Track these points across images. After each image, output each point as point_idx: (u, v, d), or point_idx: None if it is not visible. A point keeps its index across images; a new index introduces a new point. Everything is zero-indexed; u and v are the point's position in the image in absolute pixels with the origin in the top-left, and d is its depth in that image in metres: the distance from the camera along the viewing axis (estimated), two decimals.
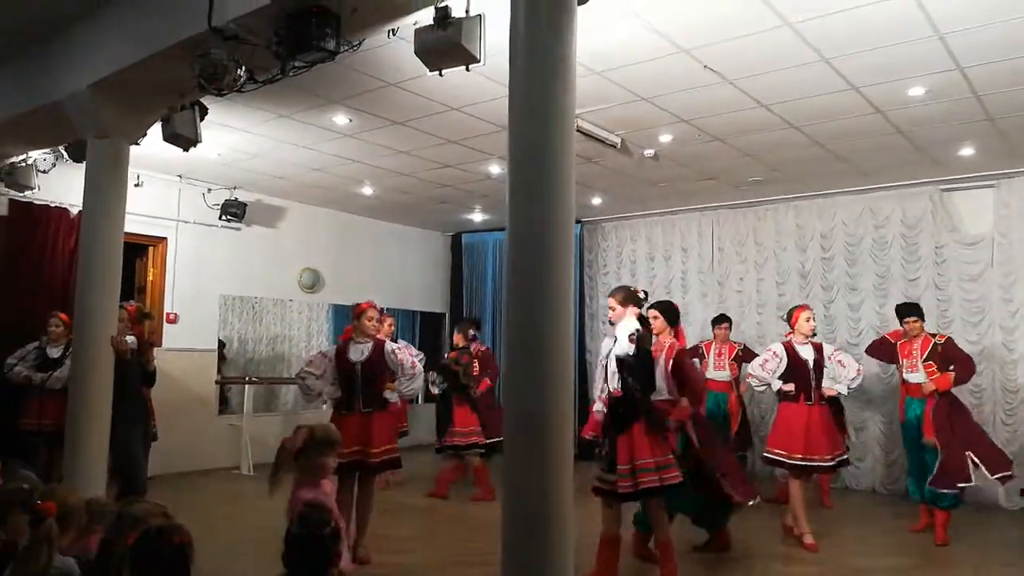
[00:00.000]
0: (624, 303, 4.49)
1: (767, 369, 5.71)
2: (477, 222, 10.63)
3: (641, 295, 4.61)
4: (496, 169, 7.57)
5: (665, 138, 6.41)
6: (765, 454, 5.79)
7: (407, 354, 5.43)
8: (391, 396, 5.53)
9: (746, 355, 7.52)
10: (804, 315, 5.75)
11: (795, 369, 5.65)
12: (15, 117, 5.38)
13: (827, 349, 5.89)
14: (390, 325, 6.97)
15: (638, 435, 4.28)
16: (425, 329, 11.47)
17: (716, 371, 7.71)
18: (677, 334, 4.91)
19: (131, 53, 4.27)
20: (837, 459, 5.62)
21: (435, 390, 7.71)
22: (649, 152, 6.81)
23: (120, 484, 5.04)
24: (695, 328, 8.78)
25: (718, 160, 7.09)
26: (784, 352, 5.71)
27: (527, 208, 2.88)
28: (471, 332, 7.63)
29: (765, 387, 5.89)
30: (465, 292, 11.29)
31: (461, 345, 7.52)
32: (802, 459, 5.48)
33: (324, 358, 5.23)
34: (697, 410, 4.98)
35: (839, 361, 5.83)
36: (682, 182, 7.96)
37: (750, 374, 5.85)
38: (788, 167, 7.31)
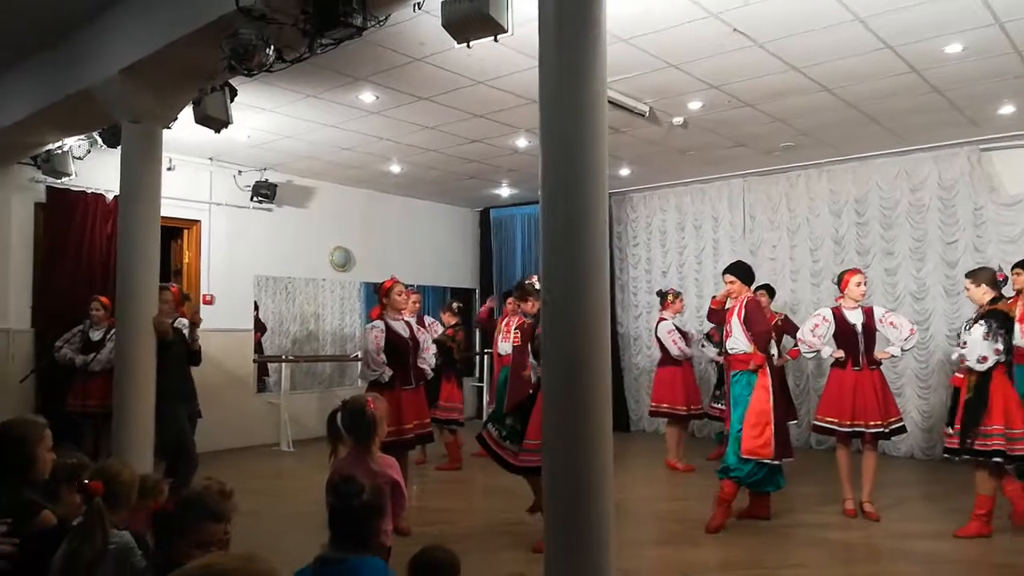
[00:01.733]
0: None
1: (817, 334, 5.60)
2: (504, 197, 10.62)
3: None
4: (523, 142, 7.54)
5: (694, 105, 6.32)
6: (815, 422, 5.70)
7: (426, 334, 5.76)
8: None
9: (786, 325, 7.49)
10: (855, 279, 5.61)
11: (843, 334, 5.54)
12: (50, 105, 5.47)
13: (877, 312, 5.71)
14: (415, 302, 7.06)
15: None
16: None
17: None
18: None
19: (161, 36, 4.31)
20: (892, 427, 5.46)
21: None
22: (678, 120, 6.73)
23: (172, 462, 5.15)
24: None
25: (749, 126, 6.98)
26: (832, 317, 5.59)
27: (561, 181, 2.87)
28: (455, 306, 8.20)
29: (815, 354, 5.78)
30: (494, 267, 11.32)
31: (453, 323, 7.80)
32: (851, 425, 5.39)
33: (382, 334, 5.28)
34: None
35: (891, 323, 5.62)
36: (712, 150, 7.86)
37: (800, 340, 5.74)
38: (820, 131, 7.17)
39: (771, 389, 5.22)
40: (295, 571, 2.24)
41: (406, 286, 5.61)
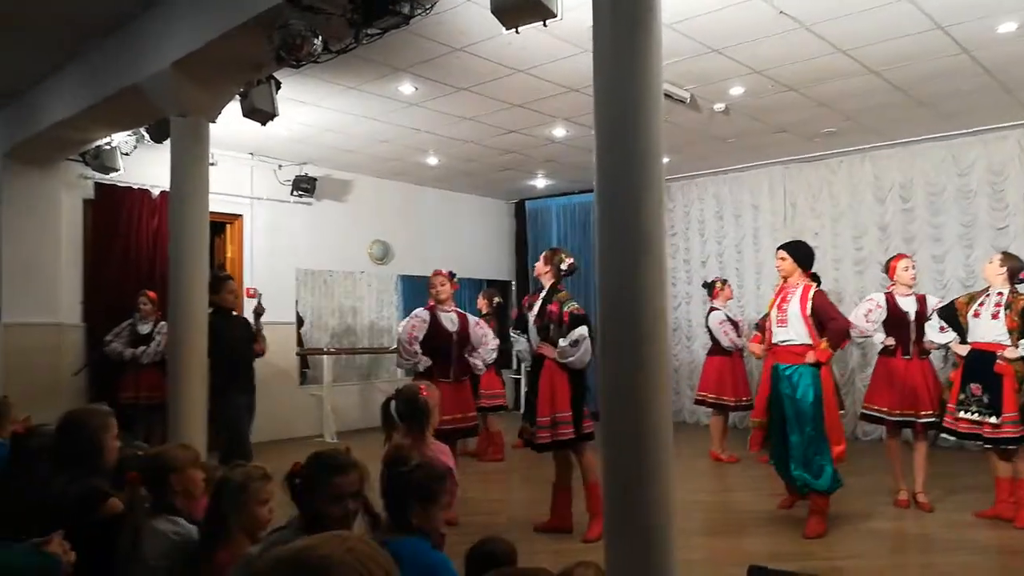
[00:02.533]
0: None
1: (871, 319, 5.44)
2: (540, 188, 10.60)
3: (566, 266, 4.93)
4: (560, 132, 7.51)
5: (736, 91, 6.24)
6: (863, 411, 5.62)
7: (486, 329, 5.74)
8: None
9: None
10: (902, 264, 5.48)
11: (894, 321, 5.39)
12: (100, 101, 5.56)
13: (931, 300, 5.56)
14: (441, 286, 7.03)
15: None
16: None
17: None
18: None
19: (211, 29, 4.36)
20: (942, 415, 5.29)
21: None
22: (719, 106, 6.65)
23: (226, 453, 5.20)
24: (766, 288, 8.61)
25: (791, 112, 6.87)
26: (885, 303, 5.45)
27: (616, 168, 2.84)
28: (496, 300, 8.11)
29: (866, 339, 5.65)
30: (530, 259, 11.29)
31: (485, 312, 7.78)
32: (900, 415, 5.29)
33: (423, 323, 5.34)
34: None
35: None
36: (752, 136, 7.76)
37: (852, 324, 5.43)
38: (865, 116, 7.04)
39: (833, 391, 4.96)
40: None
41: (451, 275, 5.66)
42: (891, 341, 5.39)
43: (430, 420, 3.36)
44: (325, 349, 9.12)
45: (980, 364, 4.97)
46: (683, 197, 9.90)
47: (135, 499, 2.65)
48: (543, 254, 5.09)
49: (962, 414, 5.03)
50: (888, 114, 6.96)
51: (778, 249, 5.20)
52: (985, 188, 7.59)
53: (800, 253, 5.06)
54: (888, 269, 5.59)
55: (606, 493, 2.88)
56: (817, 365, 4.78)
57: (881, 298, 5.50)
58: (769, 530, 4.97)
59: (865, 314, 5.47)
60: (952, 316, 5.25)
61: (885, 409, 5.36)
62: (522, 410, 5.42)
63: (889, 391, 5.35)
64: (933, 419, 5.28)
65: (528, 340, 5.01)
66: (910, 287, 5.47)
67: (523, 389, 9.04)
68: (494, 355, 5.88)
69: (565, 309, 4.81)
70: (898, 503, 5.40)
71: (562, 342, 4.72)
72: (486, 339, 5.64)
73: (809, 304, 4.86)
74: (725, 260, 9.49)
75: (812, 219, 8.75)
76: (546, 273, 4.98)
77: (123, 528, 2.56)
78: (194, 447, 2.91)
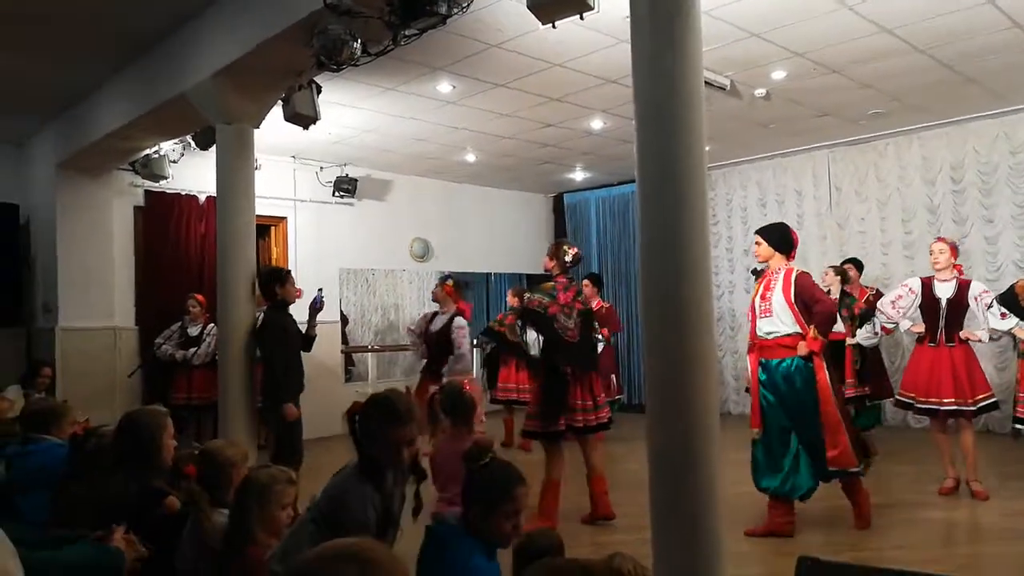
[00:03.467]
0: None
1: (898, 307, 5.37)
2: (578, 181, 10.57)
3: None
4: (598, 124, 7.48)
5: (778, 75, 6.13)
6: (897, 396, 5.59)
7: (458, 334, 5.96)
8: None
9: (877, 299, 7.25)
10: (933, 248, 5.40)
11: (925, 307, 5.31)
12: (147, 111, 5.72)
13: (975, 288, 5.31)
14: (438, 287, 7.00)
15: None
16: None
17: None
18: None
19: (251, 38, 4.44)
20: (979, 404, 5.20)
21: (486, 349, 8.31)
22: (760, 92, 6.54)
23: (277, 452, 5.13)
24: (813, 274, 8.42)
25: (835, 94, 6.72)
26: (920, 288, 5.34)
27: (658, 159, 2.83)
28: (525, 296, 8.04)
29: (893, 326, 5.57)
30: None
31: (513, 306, 7.73)
32: (925, 402, 5.23)
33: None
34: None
35: (986, 304, 5.20)
36: (795, 121, 7.62)
37: (879, 310, 5.54)
38: (912, 95, 6.85)
39: (830, 381, 4.45)
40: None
41: (442, 277, 6.38)
42: (919, 328, 5.31)
43: (474, 414, 3.40)
44: (369, 347, 9.23)
45: None
46: (724, 185, 9.76)
47: (193, 493, 2.73)
48: (548, 248, 5.22)
49: None
50: (936, 93, 6.77)
51: (755, 233, 4.89)
52: None
53: (776, 236, 4.66)
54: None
55: (654, 485, 2.88)
56: (810, 356, 4.42)
57: (916, 283, 5.39)
58: (818, 522, 4.89)
59: (893, 301, 5.41)
60: (1013, 301, 5.03)
61: (912, 395, 5.34)
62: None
63: (916, 378, 5.34)
64: (962, 407, 5.15)
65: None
66: (949, 272, 5.32)
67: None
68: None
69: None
70: (943, 491, 5.28)
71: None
72: (459, 342, 5.85)
73: (792, 289, 4.45)
74: None
75: (858, 203, 8.56)
76: (553, 266, 5.07)
77: (187, 520, 2.64)
78: (241, 444, 2.98)
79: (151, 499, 2.79)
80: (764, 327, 4.58)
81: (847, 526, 4.68)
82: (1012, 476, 5.69)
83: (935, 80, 6.38)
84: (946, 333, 5.24)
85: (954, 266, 5.40)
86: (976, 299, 5.26)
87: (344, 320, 9.62)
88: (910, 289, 5.39)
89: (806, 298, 4.41)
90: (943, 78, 6.33)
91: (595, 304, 7.46)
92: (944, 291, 5.29)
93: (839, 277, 6.59)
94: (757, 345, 4.64)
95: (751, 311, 4.74)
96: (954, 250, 5.41)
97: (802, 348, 4.39)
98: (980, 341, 5.36)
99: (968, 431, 5.27)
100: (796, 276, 4.51)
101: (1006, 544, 4.31)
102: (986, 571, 3.88)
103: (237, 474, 2.71)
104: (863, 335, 6.38)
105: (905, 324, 5.39)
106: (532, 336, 5.05)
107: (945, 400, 5.17)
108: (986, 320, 5.22)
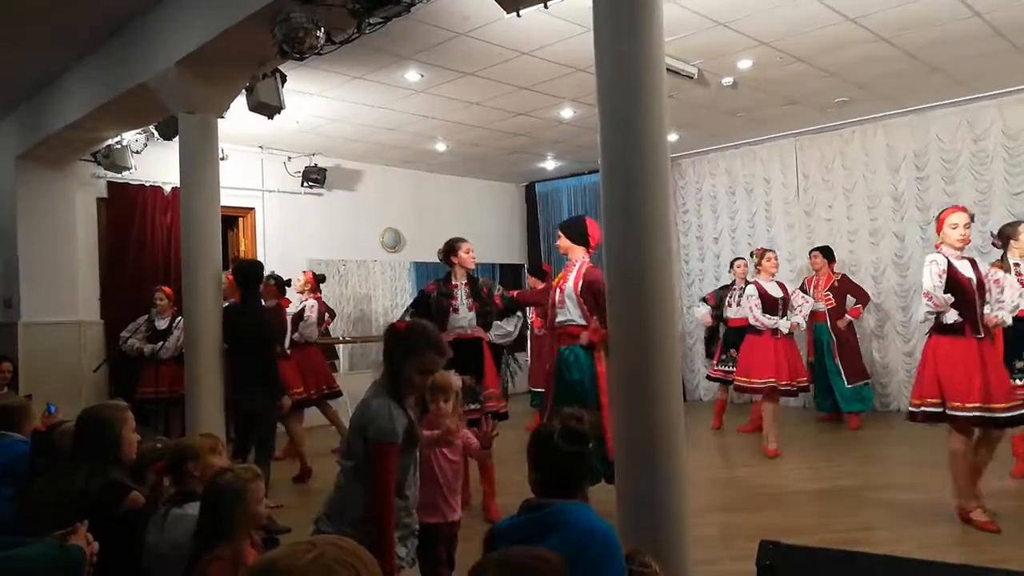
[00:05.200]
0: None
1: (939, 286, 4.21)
2: (550, 170, 10.57)
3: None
4: (568, 113, 7.47)
5: (744, 64, 6.17)
6: (918, 408, 4.33)
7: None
8: None
9: (845, 284, 7.45)
10: (950, 219, 4.29)
11: (957, 290, 4.20)
12: (108, 101, 5.61)
13: (982, 266, 4.50)
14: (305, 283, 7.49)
15: None
16: (504, 280, 11.57)
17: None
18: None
19: (213, 26, 4.37)
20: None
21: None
22: (727, 80, 6.58)
23: (258, 446, 5.14)
24: (781, 262, 8.53)
25: (801, 83, 6.79)
26: (946, 266, 4.23)
27: (621, 146, 2.84)
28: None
29: (935, 316, 4.30)
30: (542, 241, 11.29)
31: None
32: (980, 409, 4.12)
33: None
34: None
35: (995, 280, 4.54)
36: (762, 109, 7.68)
37: (929, 295, 4.24)
38: (877, 84, 6.94)
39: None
40: (503, 520, 2.13)
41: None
42: (954, 317, 4.21)
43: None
44: (341, 338, 9.17)
45: None
46: (694, 173, 9.82)
47: (158, 490, 2.71)
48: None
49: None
50: (900, 81, 6.86)
51: (557, 228, 5.05)
52: (1001, 153, 7.48)
53: (574, 231, 4.77)
54: (937, 223, 4.48)
55: (619, 471, 2.90)
56: (591, 346, 4.52)
57: (941, 259, 4.27)
58: (787, 505, 4.98)
59: (940, 275, 4.21)
60: None
61: (957, 403, 4.16)
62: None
63: (962, 380, 4.18)
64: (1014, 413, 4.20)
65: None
66: (960, 251, 4.31)
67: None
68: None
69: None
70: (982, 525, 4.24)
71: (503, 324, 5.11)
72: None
73: (581, 281, 4.59)
74: (738, 236, 9.42)
75: (825, 191, 8.67)
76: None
77: (148, 518, 2.61)
78: (215, 435, 2.95)
79: (114, 495, 2.75)
80: (558, 316, 4.79)
81: (814, 510, 4.76)
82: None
83: (899, 69, 6.46)
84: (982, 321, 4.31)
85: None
86: (986, 277, 4.47)
87: (331, 313, 9.55)
88: (935, 263, 4.27)
89: (595, 291, 4.45)
90: (907, 67, 6.42)
91: None
92: (967, 270, 4.29)
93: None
94: (556, 333, 4.84)
95: (552, 300, 4.88)
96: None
97: (583, 338, 4.57)
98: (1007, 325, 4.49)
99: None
100: (586, 269, 4.67)
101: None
102: (951, 551, 3.95)
103: (205, 466, 2.68)
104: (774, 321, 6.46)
105: (952, 315, 4.22)
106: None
107: (998, 405, 4.14)
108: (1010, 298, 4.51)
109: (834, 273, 7.69)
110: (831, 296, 7.48)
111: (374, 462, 2.39)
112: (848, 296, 7.58)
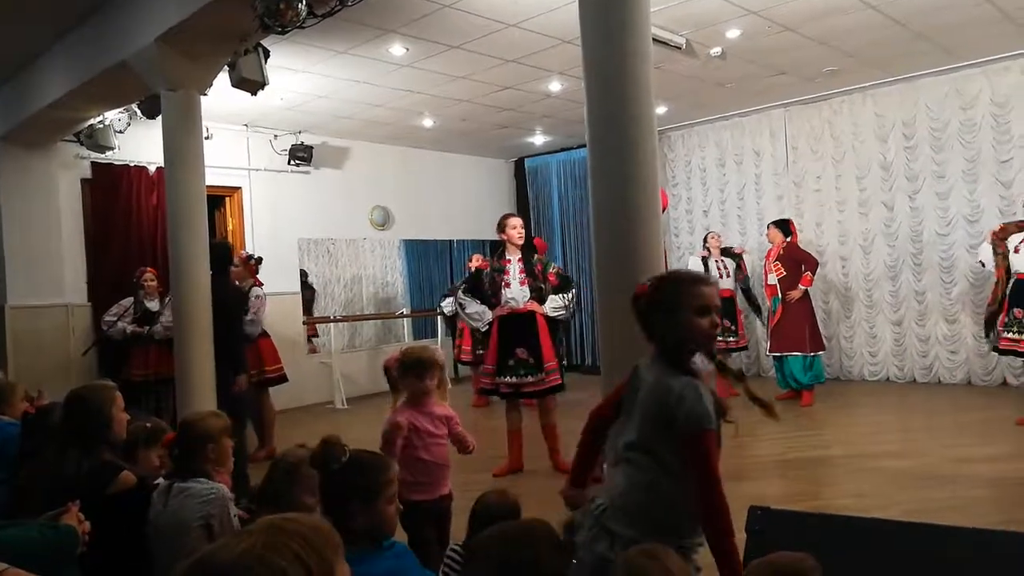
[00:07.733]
0: None
1: None
2: (538, 145, 10.50)
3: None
4: (556, 86, 7.41)
5: (732, 34, 6.12)
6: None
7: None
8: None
9: (789, 252, 7.40)
10: None
11: None
12: (89, 79, 5.52)
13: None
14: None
15: None
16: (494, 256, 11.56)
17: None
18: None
19: (192, 1, 4.28)
20: None
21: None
22: (716, 51, 6.53)
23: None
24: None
25: (789, 52, 6.75)
26: None
27: (606, 118, 2.81)
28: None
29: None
30: (532, 216, 11.26)
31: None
32: None
33: None
34: None
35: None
36: (751, 80, 7.64)
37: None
38: (865, 52, 6.91)
39: None
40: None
41: (248, 255, 6.67)
42: None
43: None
44: (332, 317, 9.17)
45: None
46: (683, 146, 9.79)
47: (165, 465, 2.68)
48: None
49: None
50: (888, 49, 6.83)
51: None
52: (989, 121, 7.47)
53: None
54: None
55: None
56: None
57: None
58: (778, 473, 5.02)
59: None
60: None
61: None
62: (483, 364, 5.71)
63: None
64: None
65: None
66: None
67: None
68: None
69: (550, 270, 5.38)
70: None
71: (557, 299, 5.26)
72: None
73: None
74: (727, 208, 9.42)
75: (814, 161, 8.65)
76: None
77: (143, 496, 2.61)
78: (225, 416, 2.90)
79: (105, 475, 2.75)
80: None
81: (803, 478, 4.80)
82: (965, 424, 5.89)
83: (887, 37, 6.43)
84: None
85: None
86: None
87: (312, 291, 9.53)
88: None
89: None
90: (895, 35, 6.39)
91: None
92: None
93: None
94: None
95: None
96: None
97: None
98: None
99: None
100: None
101: (964, 488, 4.42)
102: (938, 515, 4.00)
103: (221, 448, 2.66)
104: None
105: None
106: (476, 307, 5.39)
107: None
108: None
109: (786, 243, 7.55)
110: (780, 266, 7.38)
111: (696, 454, 1.96)
112: (801, 265, 7.35)
